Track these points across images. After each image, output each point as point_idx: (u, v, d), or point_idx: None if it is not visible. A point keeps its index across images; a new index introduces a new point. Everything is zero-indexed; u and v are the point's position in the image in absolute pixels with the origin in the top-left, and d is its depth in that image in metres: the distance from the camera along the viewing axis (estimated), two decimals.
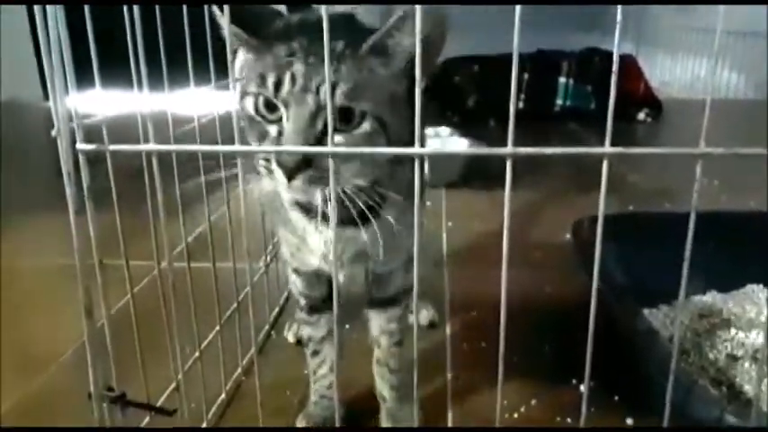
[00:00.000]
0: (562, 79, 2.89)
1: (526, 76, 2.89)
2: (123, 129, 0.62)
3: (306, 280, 0.82)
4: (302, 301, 0.84)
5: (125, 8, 0.58)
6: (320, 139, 0.56)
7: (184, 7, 0.77)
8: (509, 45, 0.52)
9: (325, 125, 0.51)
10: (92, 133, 0.54)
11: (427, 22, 0.50)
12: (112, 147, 0.50)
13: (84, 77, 0.56)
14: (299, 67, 0.56)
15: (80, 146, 0.50)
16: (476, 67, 2.91)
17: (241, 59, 0.61)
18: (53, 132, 0.51)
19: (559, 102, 2.89)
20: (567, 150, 0.48)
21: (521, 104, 2.87)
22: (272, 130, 0.58)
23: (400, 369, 0.84)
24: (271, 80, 0.56)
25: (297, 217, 0.70)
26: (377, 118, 0.57)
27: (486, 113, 2.73)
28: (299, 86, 0.56)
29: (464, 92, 2.90)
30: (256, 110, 0.58)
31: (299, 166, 0.55)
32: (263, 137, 0.59)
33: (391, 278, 0.80)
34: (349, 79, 0.56)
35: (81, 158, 0.50)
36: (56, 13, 0.48)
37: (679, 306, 0.53)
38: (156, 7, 0.69)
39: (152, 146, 0.51)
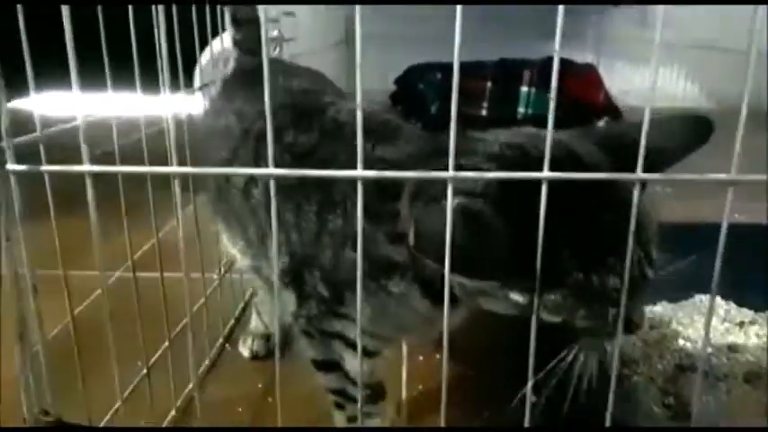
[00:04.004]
0: (524, 88, 2.92)
1: (489, 84, 2.91)
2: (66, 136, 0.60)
3: None
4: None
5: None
6: None
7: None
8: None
9: None
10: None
11: None
12: (46, 167, 0.49)
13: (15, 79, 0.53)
14: None
15: (11, 166, 0.48)
16: (438, 74, 2.92)
17: None
18: None
19: (521, 110, 2.92)
20: (507, 175, 0.49)
21: (484, 112, 2.90)
22: None
23: None
24: None
25: None
26: None
27: (448, 120, 2.75)
28: None
29: (427, 99, 2.91)
30: None
31: None
32: None
33: None
34: None
35: (12, 180, 0.48)
36: None
37: (620, 319, 0.54)
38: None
39: (90, 167, 0.49)
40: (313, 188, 0.67)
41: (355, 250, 0.62)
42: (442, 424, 0.57)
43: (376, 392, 0.76)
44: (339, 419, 0.78)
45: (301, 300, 0.71)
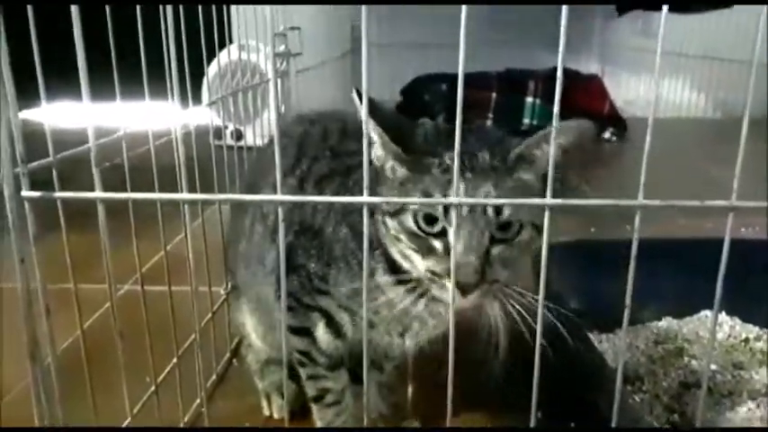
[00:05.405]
0: (529, 98, 2.93)
1: (494, 95, 2.93)
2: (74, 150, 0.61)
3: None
4: (322, 359, 0.82)
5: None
6: (488, 252, 0.58)
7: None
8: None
9: (493, 238, 0.57)
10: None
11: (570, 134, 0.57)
12: (59, 194, 0.50)
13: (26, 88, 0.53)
14: (461, 187, 0.57)
15: (25, 193, 0.49)
16: (444, 85, 2.93)
17: (393, 171, 0.62)
18: None
19: (526, 120, 2.93)
20: (511, 201, 0.50)
21: (488, 123, 2.91)
22: (438, 245, 0.59)
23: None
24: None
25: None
26: (533, 224, 0.60)
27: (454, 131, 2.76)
28: (465, 207, 0.57)
29: (433, 110, 2.92)
30: (417, 225, 0.60)
31: (477, 283, 0.58)
32: (428, 251, 0.60)
33: None
34: (509, 193, 0.58)
35: (27, 206, 0.49)
36: None
37: (622, 337, 0.55)
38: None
39: (102, 194, 0.50)
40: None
41: (349, 227, 0.70)
42: (448, 424, 0.58)
43: (336, 362, 0.81)
44: (302, 373, 0.83)
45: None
